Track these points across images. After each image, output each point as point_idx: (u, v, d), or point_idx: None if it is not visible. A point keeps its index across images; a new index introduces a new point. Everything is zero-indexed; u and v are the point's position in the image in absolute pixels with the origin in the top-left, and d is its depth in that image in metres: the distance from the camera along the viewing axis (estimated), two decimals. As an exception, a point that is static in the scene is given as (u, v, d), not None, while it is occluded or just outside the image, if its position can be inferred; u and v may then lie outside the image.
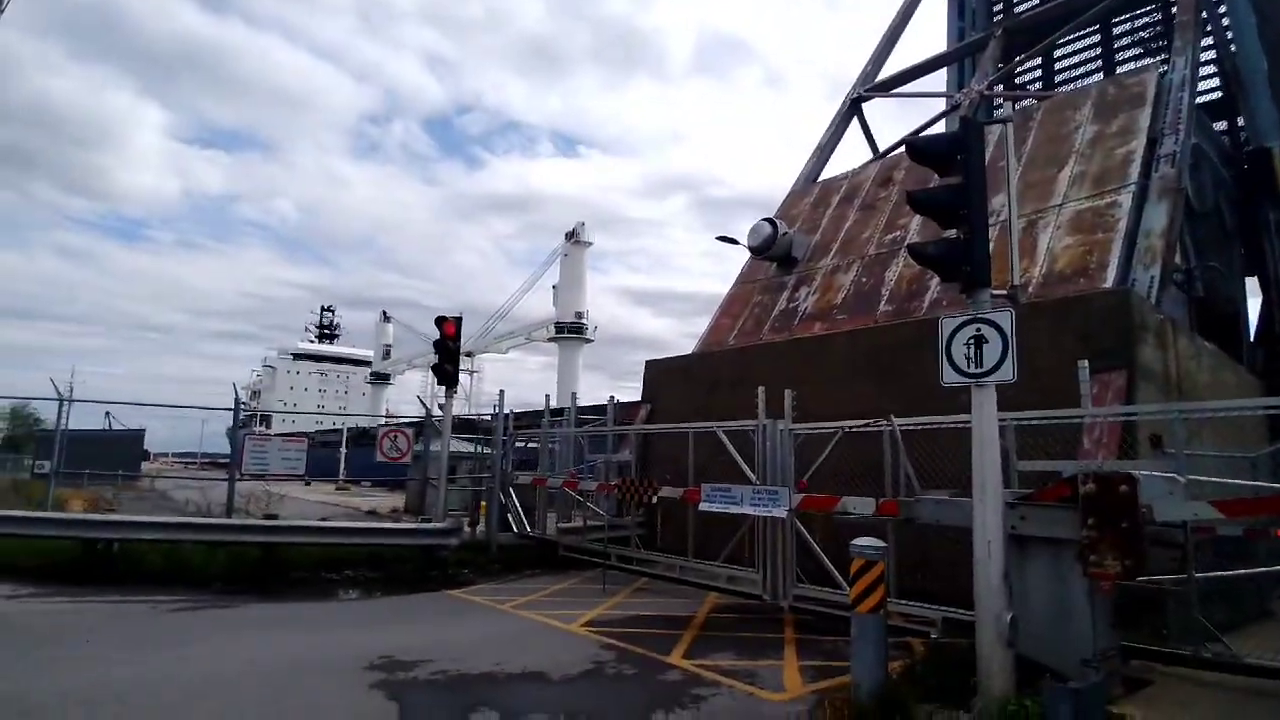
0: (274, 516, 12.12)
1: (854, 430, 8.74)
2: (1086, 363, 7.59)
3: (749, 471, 9.77)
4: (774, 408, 9.62)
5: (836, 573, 8.47)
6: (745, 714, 5.69)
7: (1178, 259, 11.56)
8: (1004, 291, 6.28)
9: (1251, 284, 16.39)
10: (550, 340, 67.54)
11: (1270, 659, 5.81)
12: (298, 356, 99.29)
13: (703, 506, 9.55)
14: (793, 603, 9.01)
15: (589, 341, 66.97)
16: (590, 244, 67.66)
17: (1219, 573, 6.42)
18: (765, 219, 16.89)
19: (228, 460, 15.45)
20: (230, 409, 14.67)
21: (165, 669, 6.46)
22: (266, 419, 76.94)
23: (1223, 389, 10.72)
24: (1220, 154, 15.79)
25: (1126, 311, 8.67)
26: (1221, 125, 18.50)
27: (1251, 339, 15.68)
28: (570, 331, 65.52)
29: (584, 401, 17.32)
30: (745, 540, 9.98)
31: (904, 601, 7.78)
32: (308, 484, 25.94)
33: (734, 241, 17.38)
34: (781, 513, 8.62)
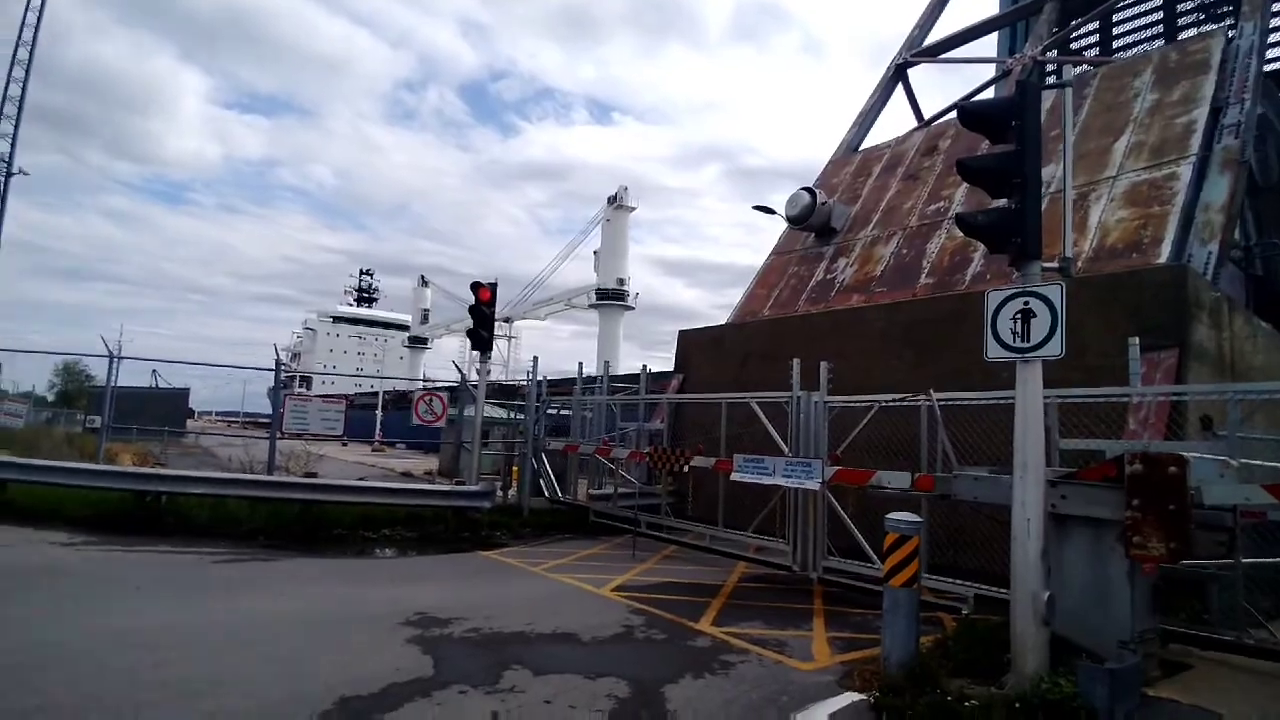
0: (314, 475, 12.41)
1: (890, 404, 8.62)
2: (1137, 340, 7.35)
3: (782, 443, 9.72)
4: (808, 380, 9.53)
5: (868, 546, 8.43)
6: (774, 681, 5.71)
7: (1237, 235, 11.11)
8: (1054, 264, 6.09)
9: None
10: (591, 307, 67.58)
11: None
12: (337, 319, 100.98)
13: (735, 476, 9.53)
14: (822, 575, 9.00)
15: (630, 309, 66.89)
16: (634, 209, 67.33)
17: (1270, 559, 6.23)
18: (804, 188, 16.60)
19: (269, 419, 15.81)
20: (271, 369, 15.00)
21: (213, 616, 6.70)
22: (307, 380, 78.58)
23: (1278, 371, 10.33)
24: (1288, 124, 14.99)
25: (1181, 288, 8.37)
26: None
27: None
28: (612, 298, 65.43)
29: (616, 370, 17.36)
30: (776, 512, 9.97)
31: (935, 577, 7.72)
32: (344, 444, 26.49)
33: (771, 211, 17.14)
34: (814, 485, 8.58)
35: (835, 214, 16.29)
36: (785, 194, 16.85)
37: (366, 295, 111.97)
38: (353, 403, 36.52)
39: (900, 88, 21.01)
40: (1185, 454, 5.22)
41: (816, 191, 16.49)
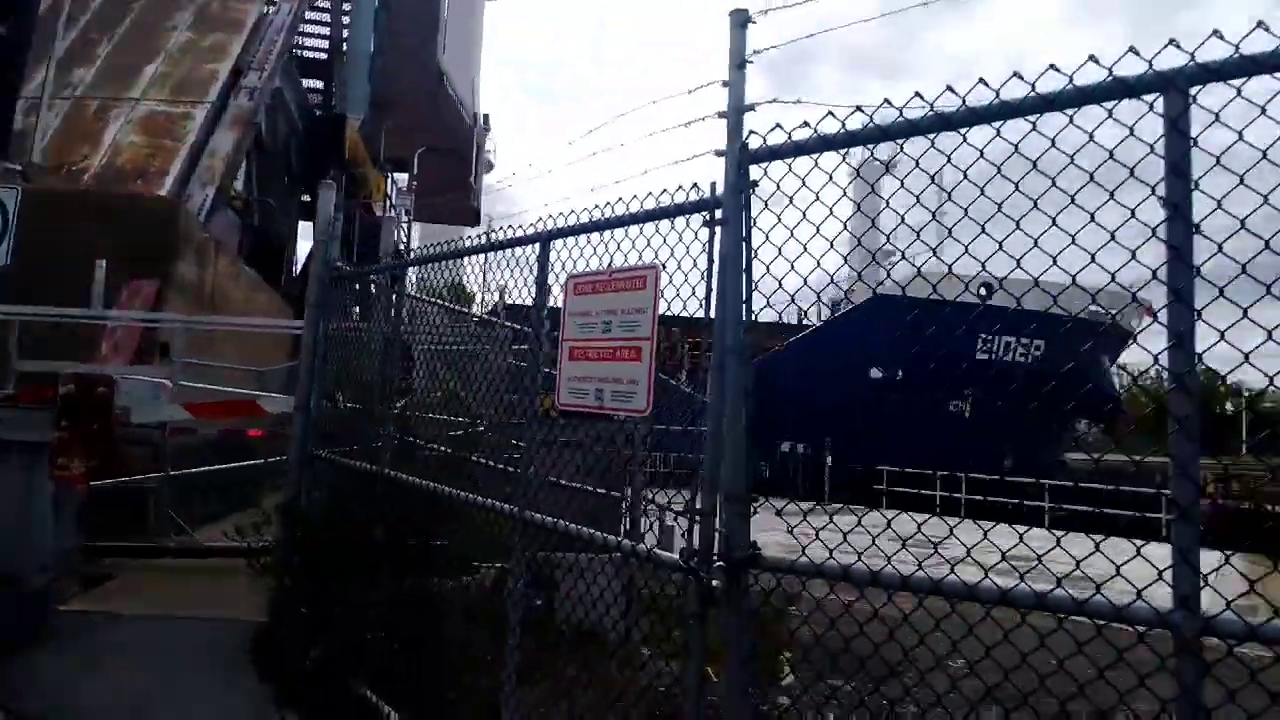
0: None
1: None
2: (104, 263, 7.36)
3: None
4: None
5: None
6: None
7: (241, 187, 12.46)
8: (17, 166, 5.55)
9: (305, 227, 19.01)
10: None
11: (218, 542, 6.69)
12: None
13: None
14: None
15: None
16: None
17: (191, 470, 7.08)
18: None
19: None
20: None
21: None
22: None
23: (256, 309, 12.04)
24: (301, 106, 17.55)
25: (173, 223, 8.83)
26: (316, 83, 20.70)
27: (296, 273, 18.18)
28: None
29: None
30: None
31: None
32: None
33: None
34: None
35: None
36: None
37: None
38: None
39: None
40: (122, 376, 5.54)
41: None
